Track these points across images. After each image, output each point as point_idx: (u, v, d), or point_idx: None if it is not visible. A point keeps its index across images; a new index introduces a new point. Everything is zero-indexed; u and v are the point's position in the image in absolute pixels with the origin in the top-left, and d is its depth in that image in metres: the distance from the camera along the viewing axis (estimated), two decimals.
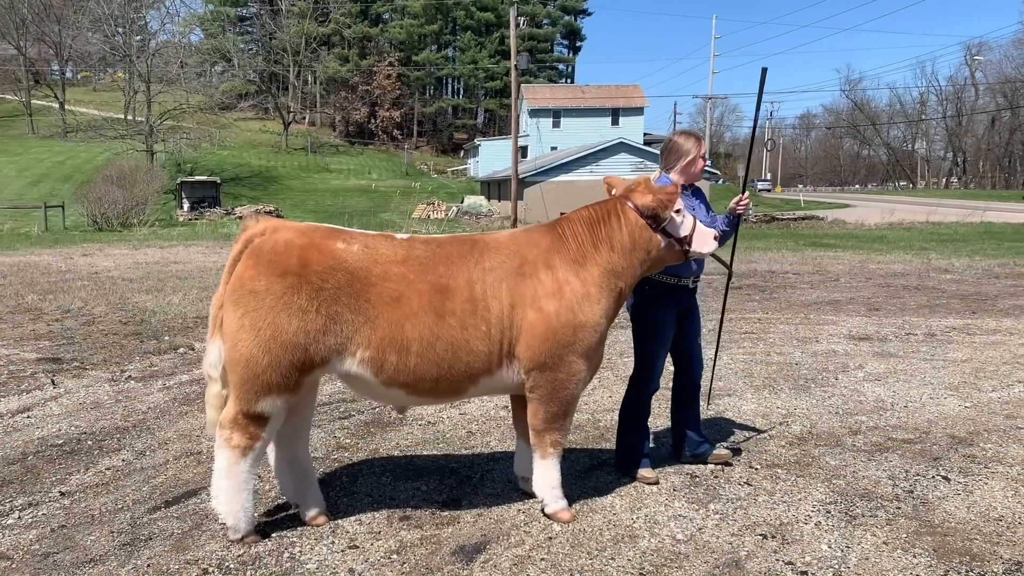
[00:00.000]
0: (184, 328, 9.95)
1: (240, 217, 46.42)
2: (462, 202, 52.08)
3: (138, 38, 65.19)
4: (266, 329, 3.77)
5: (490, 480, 5.03)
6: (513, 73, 34.26)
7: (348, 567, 3.89)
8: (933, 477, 5.10)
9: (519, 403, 4.53)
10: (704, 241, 4.44)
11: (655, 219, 4.29)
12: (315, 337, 3.81)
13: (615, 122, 64.53)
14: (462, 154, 78.86)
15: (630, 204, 4.32)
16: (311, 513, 4.34)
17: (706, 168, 5.01)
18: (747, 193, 5.09)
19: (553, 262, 4.16)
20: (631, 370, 5.12)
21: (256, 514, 4.27)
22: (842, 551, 4.08)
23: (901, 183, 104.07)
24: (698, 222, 4.49)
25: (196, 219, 46.22)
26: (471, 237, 4.28)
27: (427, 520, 4.42)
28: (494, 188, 53.90)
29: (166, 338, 9.33)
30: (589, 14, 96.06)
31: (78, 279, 14.53)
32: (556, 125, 64.66)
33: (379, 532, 4.28)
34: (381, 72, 79.99)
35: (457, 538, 4.21)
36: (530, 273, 4.10)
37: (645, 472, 4.95)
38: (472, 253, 4.12)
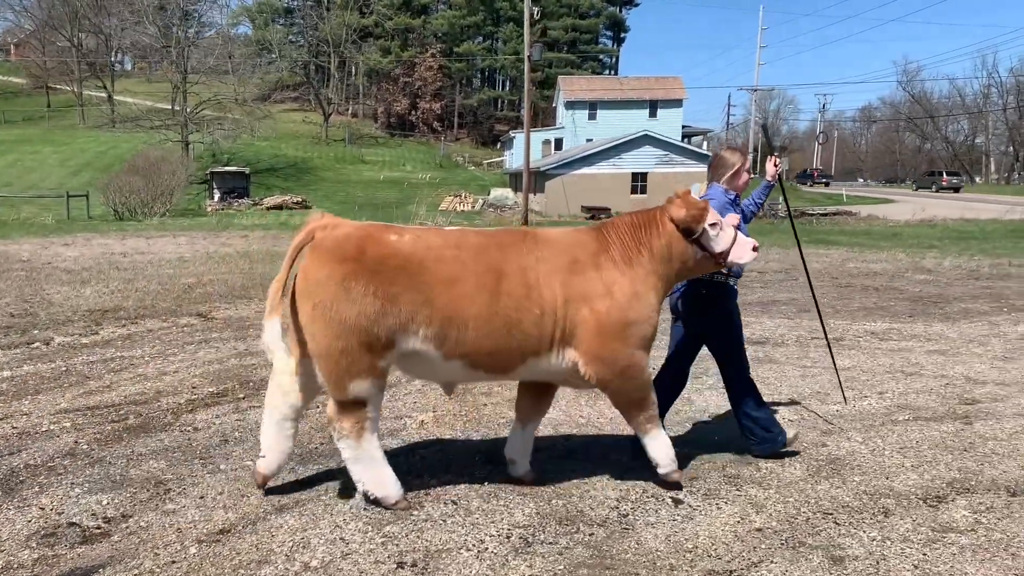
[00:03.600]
0: (65, 322, 9.83)
1: (267, 208, 46.93)
2: (488, 194, 51.83)
3: (190, 30, 66.32)
4: (334, 316, 4.07)
5: (195, 490, 4.74)
6: (527, 65, 33.90)
7: None
8: (665, 499, 4.67)
9: (526, 389, 4.86)
10: (743, 252, 4.63)
11: (688, 231, 4.52)
12: (376, 319, 4.08)
13: (653, 114, 63.38)
14: (499, 146, 78.54)
15: (668, 216, 4.57)
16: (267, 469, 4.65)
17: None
18: (776, 155, 5.45)
19: (601, 263, 4.42)
20: None
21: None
22: None
23: (961, 178, 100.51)
24: (739, 234, 4.64)
25: (224, 209, 46.85)
26: (522, 229, 4.64)
27: (71, 538, 4.14)
28: (521, 180, 53.46)
29: (35, 331, 9.22)
30: (636, 4, 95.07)
31: (19, 270, 14.61)
32: (592, 117, 63.77)
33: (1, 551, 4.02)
34: (423, 64, 79.97)
35: (81, 559, 3.92)
36: (580, 271, 4.36)
37: (790, 436, 5.35)
38: (524, 243, 4.40)
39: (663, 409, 5.39)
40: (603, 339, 4.31)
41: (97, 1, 72.13)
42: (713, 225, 4.54)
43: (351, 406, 4.21)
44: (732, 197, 5.17)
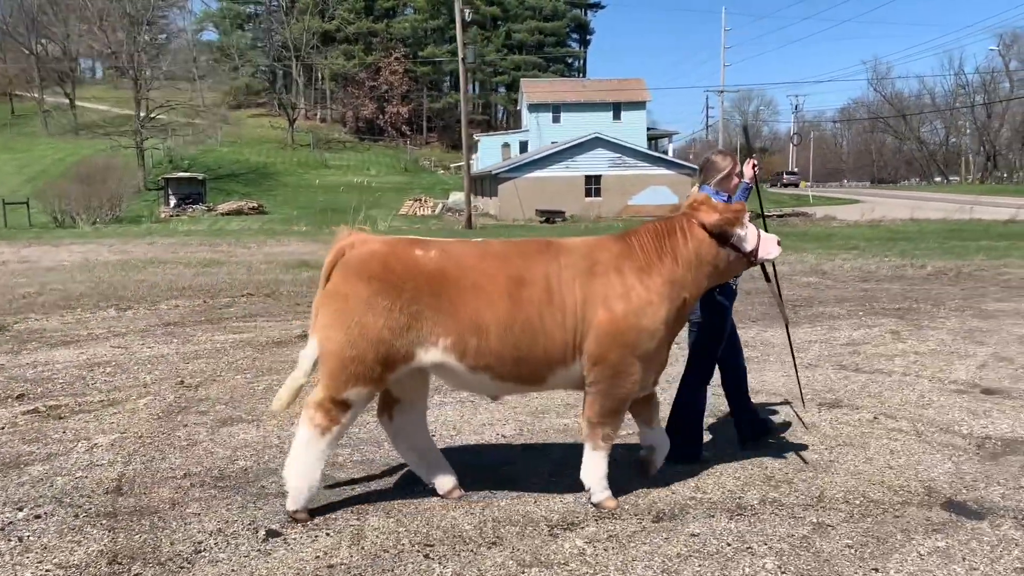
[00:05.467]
0: None
1: (222, 213, 46.54)
2: (448, 198, 51.52)
3: (141, 36, 65.72)
4: (354, 327, 4.17)
5: None
6: (461, 67, 33.57)
7: None
8: (260, 531, 4.26)
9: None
10: (769, 248, 4.72)
11: (722, 237, 4.54)
12: (398, 333, 4.19)
13: (616, 116, 62.84)
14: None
15: (697, 221, 4.59)
16: (446, 487, 4.72)
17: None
18: (754, 158, 5.54)
19: (622, 267, 4.43)
20: None
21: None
22: None
23: (936, 179, 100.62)
24: (760, 231, 4.70)
25: (178, 215, 46.50)
26: (546, 240, 4.64)
27: None
28: (478, 184, 53.16)
29: None
30: (602, 7, 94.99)
31: None
32: (556, 120, 63.21)
33: None
34: (387, 67, 79.57)
35: None
36: (601, 273, 4.39)
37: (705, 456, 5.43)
38: (548, 251, 4.47)
39: (743, 392, 5.66)
40: (612, 341, 4.33)
41: (53, 8, 71.48)
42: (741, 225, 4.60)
43: (336, 405, 4.28)
44: (724, 199, 5.16)
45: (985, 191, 66.89)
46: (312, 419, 4.29)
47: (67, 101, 74.50)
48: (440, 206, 49.68)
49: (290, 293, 12.78)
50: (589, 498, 4.60)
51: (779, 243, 4.77)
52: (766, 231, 5.80)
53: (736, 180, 5.31)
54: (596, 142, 44.21)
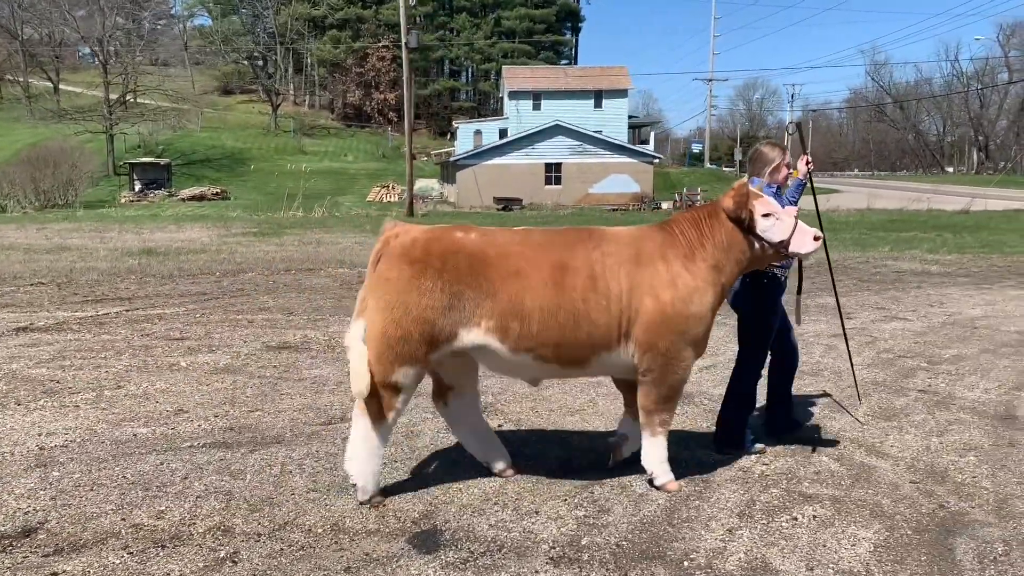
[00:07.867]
0: None
1: (183, 199, 46.26)
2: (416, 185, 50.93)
3: (109, 20, 65.37)
4: (398, 307, 4.26)
5: None
6: (404, 52, 32.95)
7: None
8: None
9: (623, 386, 4.97)
10: (803, 242, 4.59)
11: (737, 221, 4.56)
12: (441, 312, 4.27)
13: (598, 104, 61.76)
14: (449, 137, 77.65)
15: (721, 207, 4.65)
16: (499, 467, 4.85)
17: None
18: (808, 155, 5.47)
19: (667, 255, 4.48)
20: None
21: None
22: None
23: (932, 170, 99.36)
24: (799, 224, 4.61)
25: (138, 201, 46.27)
26: (587, 228, 4.73)
27: None
28: (446, 171, 52.65)
29: None
30: None
31: None
32: (537, 108, 62.28)
33: None
34: (375, 54, 78.99)
35: None
36: (647, 263, 4.44)
37: (758, 447, 5.42)
38: (590, 240, 4.51)
39: (787, 387, 5.68)
40: (662, 329, 4.39)
41: None
42: (767, 216, 4.54)
43: (387, 390, 4.33)
44: (774, 190, 5.18)
45: (977, 182, 65.79)
46: (367, 408, 4.34)
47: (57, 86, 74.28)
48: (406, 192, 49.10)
49: (84, 282, 12.18)
50: (651, 481, 4.68)
51: (816, 238, 4.60)
52: (821, 228, 5.40)
53: (785, 171, 5.26)
54: (556, 129, 43.64)
